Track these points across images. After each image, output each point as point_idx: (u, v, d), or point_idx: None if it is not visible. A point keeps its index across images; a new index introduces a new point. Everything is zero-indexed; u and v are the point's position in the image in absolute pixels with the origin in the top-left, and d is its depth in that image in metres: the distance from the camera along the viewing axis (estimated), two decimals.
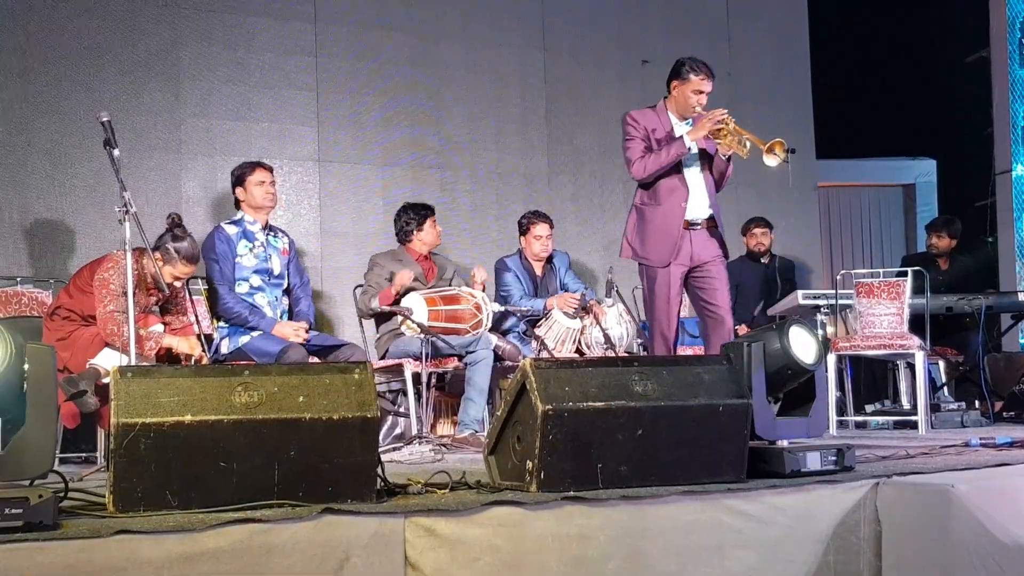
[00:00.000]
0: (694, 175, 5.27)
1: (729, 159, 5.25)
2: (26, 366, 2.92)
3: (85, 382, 4.57)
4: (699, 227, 5.29)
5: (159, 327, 5.05)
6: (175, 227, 5.05)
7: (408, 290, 6.01)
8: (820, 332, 6.35)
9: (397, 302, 5.92)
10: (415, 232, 6.29)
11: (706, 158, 5.29)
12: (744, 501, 3.49)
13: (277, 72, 6.98)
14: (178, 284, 5.16)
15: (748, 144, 5.14)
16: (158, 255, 4.97)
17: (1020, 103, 9.12)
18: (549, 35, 7.94)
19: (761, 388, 3.81)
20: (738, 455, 3.60)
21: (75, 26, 6.37)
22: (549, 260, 6.84)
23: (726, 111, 5.15)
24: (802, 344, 3.89)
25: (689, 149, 5.19)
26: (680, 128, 5.29)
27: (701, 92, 5.23)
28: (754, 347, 3.82)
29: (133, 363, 4.36)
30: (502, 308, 6.41)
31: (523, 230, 6.79)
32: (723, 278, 5.34)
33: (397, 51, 7.38)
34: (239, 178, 5.75)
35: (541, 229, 6.74)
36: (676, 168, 5.21)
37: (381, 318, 6.15)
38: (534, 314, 6.54)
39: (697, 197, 5.27)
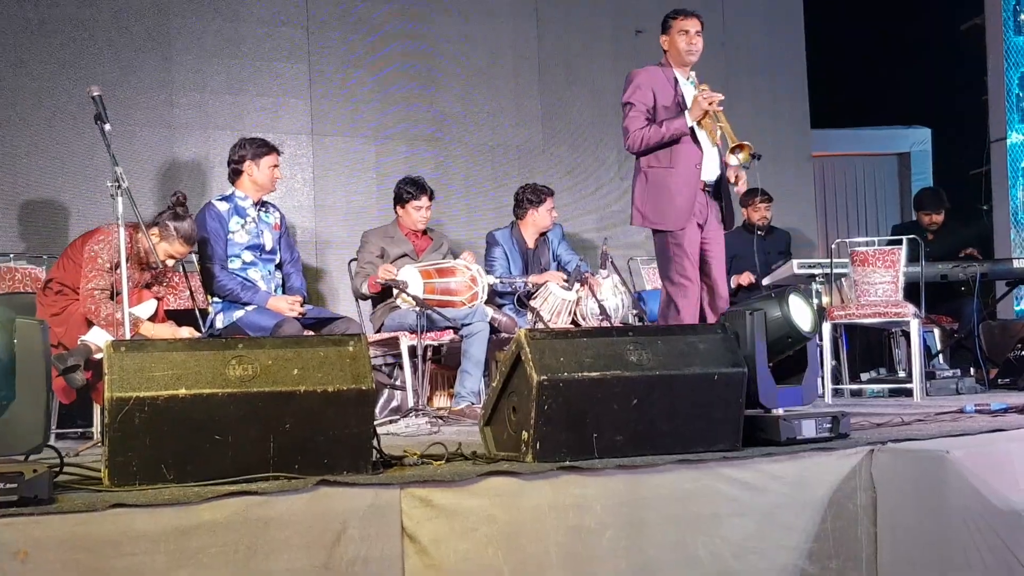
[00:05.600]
0: (704, 136, 5.23)
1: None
2: (15, 341, 2.91)
3: (75, 358, 4.55)
4: (708, 191, 5.27)
5: (152, 303, 5.02)
6: (178, 205, 5.01)
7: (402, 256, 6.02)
8: (816, 301, 6.35)
9: (385, 288, 5.92)
10: (399, 206, 6.27)
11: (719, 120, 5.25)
12: (740, 469, 3.50)
13: (269, 44, 6.92)
14: (171, 263, 5.13)
15: (719, 133, 5.15)
16: (155, 230, 4.94)
17: (1015, 70, 9.09)
18: (542, 5, 7.89)
19: (763, 357, 3.82)
20: (734, 423, 3.61)
21: (66, 1, 6.32)
22: (543, 233, 6.80)
23: (721, 97, 5.15)
24: (800, 312, 3.91)
25: (691, 129, 5.17)
26: (686, 85, 5.29)
27: (686, 32, 5.25)
28: (756, 316, 3.83)
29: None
30: (496, 279, 6.39)
31: (536, 204, 6.63)
32: (721, 246, 5.34)
33: (390, 23, 7.32)
34: (255, 154, 5.55)
35: (550, 202, 6.68)
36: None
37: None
38: (515, 290, 6.49)
39: (710, 159, 5.24)
